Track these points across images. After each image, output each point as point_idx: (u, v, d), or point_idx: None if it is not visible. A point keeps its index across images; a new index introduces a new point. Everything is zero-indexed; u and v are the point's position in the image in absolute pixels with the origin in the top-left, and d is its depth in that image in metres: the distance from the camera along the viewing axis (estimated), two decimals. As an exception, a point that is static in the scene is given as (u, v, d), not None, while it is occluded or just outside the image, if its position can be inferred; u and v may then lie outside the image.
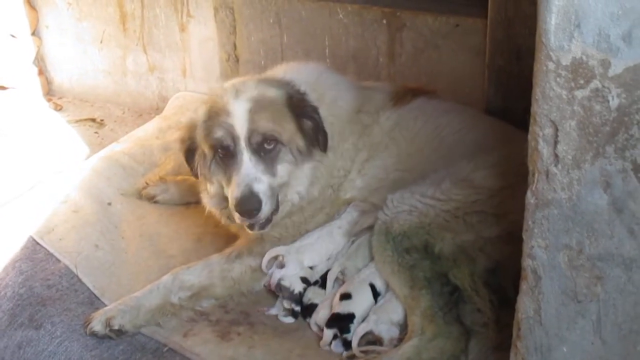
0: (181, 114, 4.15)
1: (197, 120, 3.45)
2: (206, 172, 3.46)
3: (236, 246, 3.65)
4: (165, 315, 3.38)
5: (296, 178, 3.46)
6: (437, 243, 3.17)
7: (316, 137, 3.44)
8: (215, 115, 3.37)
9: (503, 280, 3.05)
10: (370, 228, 3.42)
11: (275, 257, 3.50)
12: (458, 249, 3.14)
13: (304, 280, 3.43)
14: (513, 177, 3.02)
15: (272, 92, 3.41)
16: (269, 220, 3.35)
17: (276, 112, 3.37)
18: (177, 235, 4.12)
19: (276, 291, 3.41)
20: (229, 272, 3.53)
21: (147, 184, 4.47)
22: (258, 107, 3.31)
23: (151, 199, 4.40)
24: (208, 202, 3.61)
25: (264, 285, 3.53)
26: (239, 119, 3.29)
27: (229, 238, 3.77)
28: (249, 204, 3.21)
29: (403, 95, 3.81)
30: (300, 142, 3.42)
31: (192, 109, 3.61)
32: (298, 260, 3.45)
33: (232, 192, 3.23)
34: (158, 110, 5.58)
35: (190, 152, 3.50)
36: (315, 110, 3.46)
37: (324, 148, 3.46)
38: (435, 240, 3.18)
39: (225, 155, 3.32)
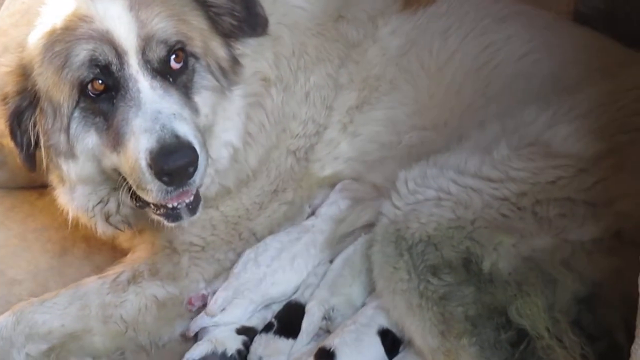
0: (26, 24, 3.33)
1: (28, 55, 2.84)
2: (62, 139, 2.79)
3: (128, 262, 3.15)
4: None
5: (224, 118, 2.96)
6: (488, 255, 2.67)
7: (247, 18, 2.99)
8: (66, 32, 2.73)
9: (606, 316, 2.57)
10: (367, 228, 3.04)
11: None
12: (525, 265, 2.65)
13: (243, 330, 2.96)
14: (623, 135, 2.69)
15: None
16: (198, 197, 2.82)
17: (171, 3, 2.84)
18: (24, 244, 3.58)
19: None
20: (117, 309, 3.00)
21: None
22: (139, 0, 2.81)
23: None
24: (69, 199, 2.98)
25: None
26: (119, 22, 2.69)
27: (115, 248, 3.29)
28: (178, 156, 2.56)
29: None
30: (220, 50, 2.93)
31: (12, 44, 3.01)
32: (252, 302, 2.96)
33: (138, 146, 2.59)
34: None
35: (19, 116, 2.86)
36: None
37: (262, 28, 2.98)
38: (484, 250, 2.69)
39: (104, 91, 2.70)
